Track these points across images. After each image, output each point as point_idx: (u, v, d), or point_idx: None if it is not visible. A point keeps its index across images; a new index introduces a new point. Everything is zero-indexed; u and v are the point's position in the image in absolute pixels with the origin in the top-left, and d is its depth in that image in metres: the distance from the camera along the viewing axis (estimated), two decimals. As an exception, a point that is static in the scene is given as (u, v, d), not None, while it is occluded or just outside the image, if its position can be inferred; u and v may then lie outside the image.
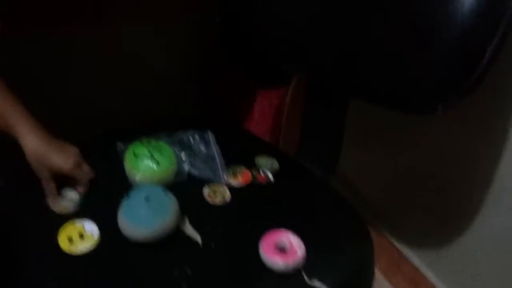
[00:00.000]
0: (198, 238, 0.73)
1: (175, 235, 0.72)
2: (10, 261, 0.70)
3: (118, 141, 0.88)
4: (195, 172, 0.85)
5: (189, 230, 0.74)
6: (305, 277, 0.67)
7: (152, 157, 0.79)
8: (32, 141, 0.72)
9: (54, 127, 0.75)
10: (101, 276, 0.67)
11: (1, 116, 0.71)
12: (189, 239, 0.73)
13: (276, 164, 0.89)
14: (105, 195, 0.78)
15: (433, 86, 0.69)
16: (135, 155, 0.80)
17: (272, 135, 1.32)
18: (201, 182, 0.83)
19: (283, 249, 0.69)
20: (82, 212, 0.75)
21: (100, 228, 0.72)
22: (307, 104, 0.98)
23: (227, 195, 0.81)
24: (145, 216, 0.70)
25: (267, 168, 0.88)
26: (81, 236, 0.71)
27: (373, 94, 0.79)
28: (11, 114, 0.72)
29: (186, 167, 0.85)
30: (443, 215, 1.05)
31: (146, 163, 0.79)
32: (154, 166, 0.79)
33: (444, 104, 0.72)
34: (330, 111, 0.90)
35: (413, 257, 1.16)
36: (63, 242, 0.70)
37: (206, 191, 0.82)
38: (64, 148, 0.76)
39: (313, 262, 0.68)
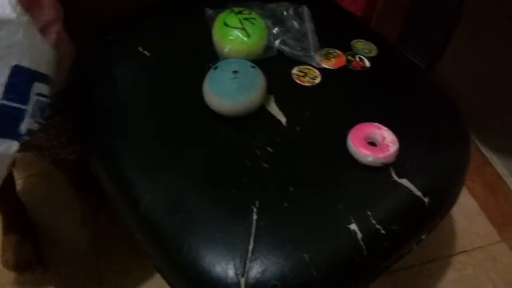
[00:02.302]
0: (282, 118, 0.70)
1: (259, 113, 0.69)
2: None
3: (206, 5, 0.82)
4: (285, 49, 0.78)
5: (274, 109, 0.71)
6: (393, 174, 0.62)
7: (243, 29, 0.74)
8: None
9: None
10: (180, 139, 0.67)
11: None
12: (273, 118, 0.70)
13: (374, 51, 0.81)
14: (190, 64, 0.75)
15: None
16: (226, 25, 0.75)
17: (364, 16, 1.20)
18: (291, 61, 0.77)
19: (373, 143, 0.64)
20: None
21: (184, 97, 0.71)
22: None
23: (317, 77, 0.76)
24: (231, 89, 0.67)
25: (364, 54, 0.80)
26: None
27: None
28: None
29: (277, 43, 0.78)
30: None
31: (236, 35, 0.74)
32: (245, 38, 0.73)
33: None
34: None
35: (498, 164, 1.08)
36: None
37: (295, 70, 0.76)
38: None
39: (404, 160, 0.63)
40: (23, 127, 0.57)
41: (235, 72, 0.68)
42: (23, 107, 0.56)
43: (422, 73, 0.81)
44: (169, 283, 0.60)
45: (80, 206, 1.13)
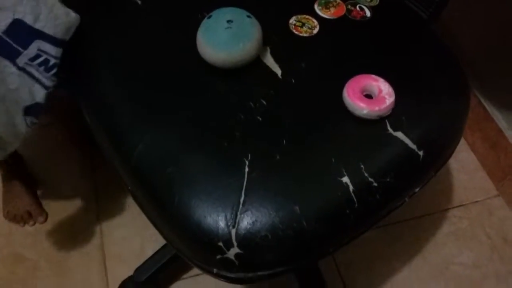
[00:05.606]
0: (278, 70, 0.68)
1: (254, 64, 0.68)
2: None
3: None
4: (283, -2, 0.76)
5: (270, 61, 0.69)
6: (389, 127, 0.61)
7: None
8: None
9: None
10: (172, 91, 0.66)
11: None
12: (268, 70, 0.68)
13: (376, 0, 0.78)
14: (184, 12, 0.73)
15: None
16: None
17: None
18: (289, 11, 0.75)
19: (369, 95, 0.63)
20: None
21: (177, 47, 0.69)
22: None
23: (316, 27, 0.73)
24: (225, 40, 0.65)
25: (365, 3, 0.77)
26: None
27: None
28: None
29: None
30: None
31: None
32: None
33: None
34: None
35: (499, 118, 1.07)
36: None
37: (292, 20, 0.74)
38: None
39: (400, 113, 0.62)
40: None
41: (229, 21, 0.65)
42: (21, 50, 0.60)
43: (424, 24, 0.78)
44: (162, 234, 0.61)
45: (79, 159, 1.13)
